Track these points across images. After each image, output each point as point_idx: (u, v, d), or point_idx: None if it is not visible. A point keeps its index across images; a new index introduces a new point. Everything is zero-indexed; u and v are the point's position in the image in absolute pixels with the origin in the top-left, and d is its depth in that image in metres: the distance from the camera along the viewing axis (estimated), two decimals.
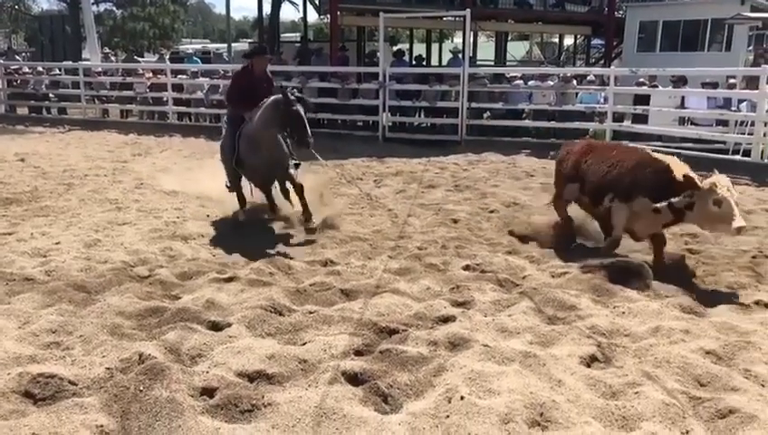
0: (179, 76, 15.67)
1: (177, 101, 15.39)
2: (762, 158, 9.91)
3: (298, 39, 21.56)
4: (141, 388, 3.17)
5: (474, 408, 3.03)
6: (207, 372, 3.39)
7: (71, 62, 17.15)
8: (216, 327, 4.06)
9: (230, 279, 5.00)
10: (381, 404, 3.20)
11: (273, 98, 6.29)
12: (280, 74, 14.47)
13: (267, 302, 4.37)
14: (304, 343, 3.82)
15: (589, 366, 3.66)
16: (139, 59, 21.31)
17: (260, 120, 6.32)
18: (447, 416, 3.02)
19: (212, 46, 29.97)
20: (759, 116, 9.97)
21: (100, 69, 16.78)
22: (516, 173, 10.13)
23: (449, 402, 3.11)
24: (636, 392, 3.28)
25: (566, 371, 3.51)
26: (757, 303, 4.62)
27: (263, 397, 3.17)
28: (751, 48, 14.63)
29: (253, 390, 3.26)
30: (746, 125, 10.50)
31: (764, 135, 10.06)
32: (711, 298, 4.72)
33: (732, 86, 11.53)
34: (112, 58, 20.48)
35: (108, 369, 3.35)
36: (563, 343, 3.89)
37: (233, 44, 25.10)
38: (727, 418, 3.08)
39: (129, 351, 3.57)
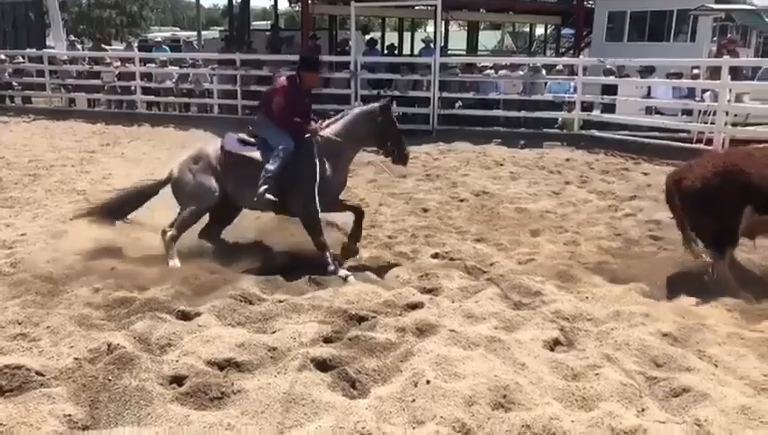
0: (148, 65, 15.44)
1: (145, 90, 15.17)
2: (723, 147, 10.16)
3: (269, 27, 21.34)
4: (110, 377, 3.19)
5: (439, 391, 3.12)
6: (177, 361, 3.42)
7: (35, 50, 16.74)
8: (185, 317, 4.08)
9: (201, 269, 4.99)
10: (349, 389, 3.27)
11: (360, 110, 5.45)
12: (250, 63, 14.40)
13: (237, 291, 4.40)
14: (274, 332, 3.87)
15: (552, 350, 3.78)
16: (107, 47, 20.88)
17: (349, 137, 5.33)
18: (413, 399, 3.10)
19: (182, 34, 29.47)
20: (720, 106, 10.23)
21: (65, 57, 16.43)
22: (486, 162, 10.25)
23: (415, 386, 3.19)
24: (596, 374, 3.40)
25: (530, 354, 3.61)
26: (715, 287, 4.77)
27: (232, 384, 3.21)
28: (715, 39, 14.93)
29: (222, 377, 3.31)
30: (709, 115, 10.76)
31: (726, 124, 10.32)
32: (672, 282, 4.87)
33: (696, 76, 11.79)
34: (78, 46, 20.06)
35: (76, 359, 3.35)
36: (528, 328, 4.00)
37: (203, 32, 24.75)
38: (681, 396, 3.22)
39: (98, 341, 3.58)
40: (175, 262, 5.20)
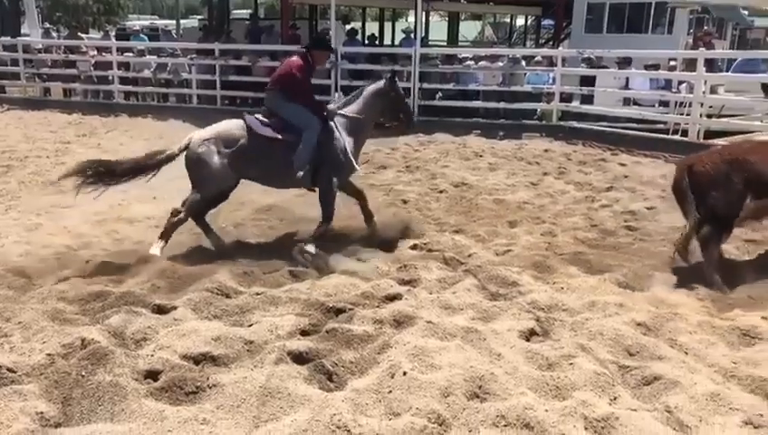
0: (125, 54, 15.21)
1: (123, 80, 14.96)
2: (698, 138, 10.30)
3: (248, 16, 21.10)
4: (83, 373, 3.16)
5: (415, 382, 3.13)
6: (152, 356, 3.40)
7: (9, 38, 16.39)
8: (161, 310, 4.05)
9: (177, 262, 4.96)
10: (326, 382, 3.27)
11: (374, 88, 5.76)
12: (230, 53, 14.25)
13: (214, 284, 4.37)
14: (251, 325, 3.86)
15: (527, 340, 3.82)
16: (83, 35, 20.51)
17: (369, 114, 5.69)
18: (390, 391, 3.11)
19: (160, 23, 29.05)
20: (696, 97, 10.35)
21: (40, 45, 16.12)
22: (466, 154, 10.27)
23: (392, 378, 3.20)
24: (570, 364, 3.44)
25: (505, 345, 3.65)
26: (687, 276, 4.85)
27: (208, 378, 3.20)
28: (691, 31, 15.08)
29: (198, 372, 3.29)
30: (685, 106, 10.89)
31: (701, 116, 10.45)
32: (646, 273, 4.94)
33: (673, 68, 11.91)
34: (54, 34, 19.67)
35: (49, 355, 3.31)
36: (504, 319, 4.03)
37: (182, 21, 24.41)
38: (652, 384, 3.27)
39: (72, 336, 3.53)
40: (157, 250, 5.05)
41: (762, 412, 2.97)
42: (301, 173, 5.32)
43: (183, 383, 3.15)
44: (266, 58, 14.02)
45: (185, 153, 5.31)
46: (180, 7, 24.61)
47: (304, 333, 3.78)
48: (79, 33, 18.59)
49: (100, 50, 15.37)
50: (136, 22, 32.38)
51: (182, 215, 5.25)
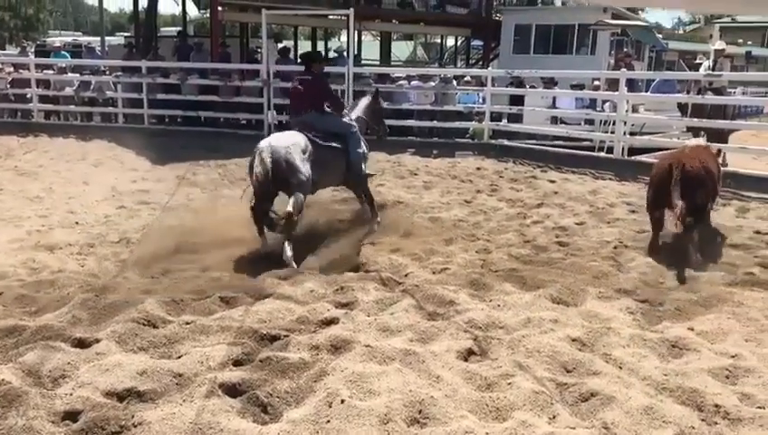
0: (45, 71, 14.54)
1: (42, 99, 14.27)
2: (622, 154, 10.73)
3: (176, 33, 20.64)
4: None
5: (354, 410, 3.04)
6: (71, 395, 3.16)
7: None
8: (82, 344, 3.79)
9: (101, 291, 4.69)
10: (260, 414, 3.13)
11: (367, 99, 7.30)
12: (157, 70, 13.85)
13: (140, 314, 4.14)
14: (180, 356, 3.66)
15: (466, 360, 3.79)
16: None
17: (367, 118, 7.12)
18: (328, 421, 3.01)
19: (84, 39, 28.02)
20: (619, 116, 10.81)
21: None
22: (401, 172, 10.32)
23: (330, 407, 3.10)
24: (509, 383, 3.43)
25: (444, 366, 3.61)
26: (618, 290, 4.98)
27: (132, 417, 2.99)
28: (612, 52, 15.81)
29: (122, 410, 3.07)
30: (609, 124, 11.34)
31: (624, 134, 10.91)
32: (578, 287, 5.03)
33: (597, 88, 12.42)
34: None
35: None
36: (442, 339, 4.00)
37: (108, 38, 23.65)
38: (589, 401, 3.30)
39: None
40: (289, 251, 5.48)
41: (693, 424, 3.05)
42: (366, 171, 6.76)
43: (105, 423, 2.93)
44: (195, 76, 13.72)
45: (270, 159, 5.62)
46: (106, 24, 23.84)
47: (237, 363, 3.61)
48: None
49: (16, 67, 14.62)
50: (57, 39, 31.10)
51: (296, 217, 5.73)
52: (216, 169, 10.33)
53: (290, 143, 5.84)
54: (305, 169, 5.83)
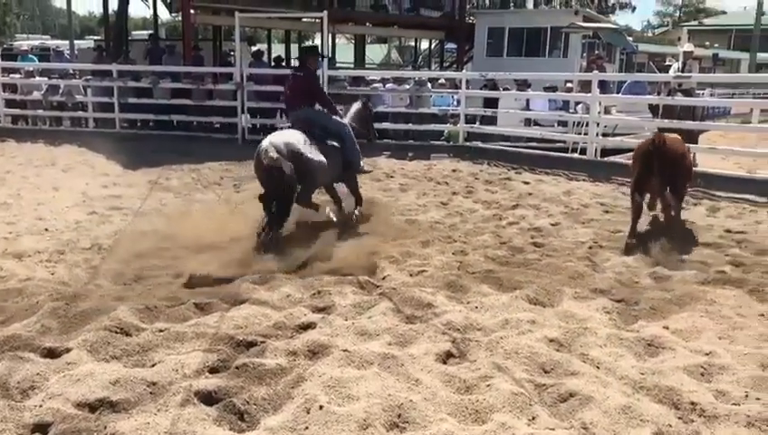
0: (12, 75, 14.22)
1: (9, 103, 13.95)
2: (596, 155, 10.86)
3: (147, 37, 20.36)
4: None
5: (332, 416, 3.01)
6: (41, 406, 3.07)
7: None
8: (52, 354, 3.69)
9: (71, 299, 4.57)
10: (237, 422, 3.07)
11: (357, 105, 7.39)
12: (128, 74, 13.64)
13: (112, 321, 4.05)
14: (154, 364, 3.58)
15: (445, 362, 3.77)
16: None
17: (354, 121, 7.15)
18: (306, 427, 2.97)
19: (52, 43, 27.48)
20: (592, 117, 10.93)
21: None
22: (377, 175, 10.28)
23: (308, 413, 3.06)
24: (488, 385, 3.42)
25: (423, 369, 3.59)
26: (594, 290, 5.02)
27: (105, 428, 2.92)
28: (584, 55, 16.02)
29: (94, 421, 3.00)
30: (582, 126, 11.47)
31: (597, 135, 11.04)
32: (555, 288, 5.06)
33: (569, 90, 12.55)
34: None
35: None
36: (420, 342, 3.98)
37: (78, 42, 23.24)
38: (568, 401, 3.31)
39: None
40: (333, 215, 6.52)
41: (670, 422, 3.07)
42: (364, 166, 7.05)
43: None
44: (168, 80, 13.54)
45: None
46: (75, 27, 23.42)
47: (213, 370, 3.55)
48: None
49: None
50: (24, 42, 30.47)
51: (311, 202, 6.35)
52: (190, 173, 10.19)
53: (297, 139, 6.07)
54: (316, 156, 6.18)
